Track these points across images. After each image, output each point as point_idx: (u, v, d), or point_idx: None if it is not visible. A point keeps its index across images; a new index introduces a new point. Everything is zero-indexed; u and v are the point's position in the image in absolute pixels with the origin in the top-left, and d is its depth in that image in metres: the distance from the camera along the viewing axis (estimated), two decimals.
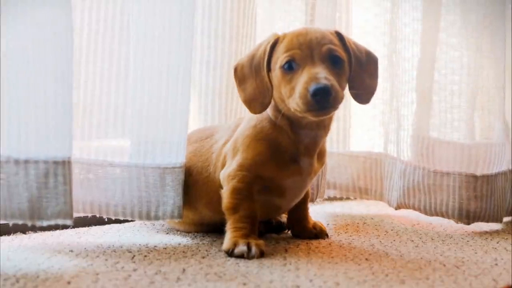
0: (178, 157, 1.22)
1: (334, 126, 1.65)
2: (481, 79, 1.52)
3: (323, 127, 1.18)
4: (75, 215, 1.27)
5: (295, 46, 1.10)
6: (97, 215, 1.22)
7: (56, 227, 1.29)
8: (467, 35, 1.50)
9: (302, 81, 1.06)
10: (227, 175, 1.17)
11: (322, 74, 1.05)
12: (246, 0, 1.47)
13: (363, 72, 1.17)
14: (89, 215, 1.23)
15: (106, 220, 1.33)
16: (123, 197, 1.20)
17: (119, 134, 1.24)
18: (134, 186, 1.20)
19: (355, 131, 1.72)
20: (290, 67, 1.10)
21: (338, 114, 1.67)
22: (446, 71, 1.51)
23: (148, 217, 1.21)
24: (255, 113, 1.16)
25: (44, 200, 1.04)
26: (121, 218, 1.23)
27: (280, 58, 1.11)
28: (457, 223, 1.47)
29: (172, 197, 1.21)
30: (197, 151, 1.27)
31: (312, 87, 1.04)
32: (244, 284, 0.93)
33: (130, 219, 1.23)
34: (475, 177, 1.44)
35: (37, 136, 1.04)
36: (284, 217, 1.36)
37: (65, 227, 1.31)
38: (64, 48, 1.06)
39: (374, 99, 1.64)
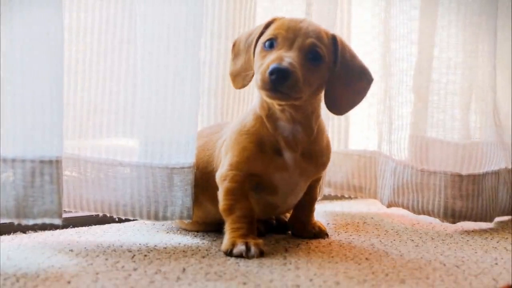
0: (186, 157, 1.22)
1: (331, 125, 1.67)
2: (475, 78, 1.52)
3: (299, 123, 1.16)
4: (87, 213, 1.29)
5: (283, 27, 1.11)
6: (108, 215, 1.23)
7: (56, 227, 1.29)
8: (464, 34, 1.50)
9: (269, 59, 1.07)
10: (220, 176, 1.17)
11: (288, 59, 1.05)
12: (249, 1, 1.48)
13: (348, 84, 1.15)
14: (100, 214, 1.24)
15: (106, 219, 1.33)
16: (132, 197, 1.21)
17: (128, 134, 1.25)
18: (142, 186, 1.21)
19: (351, 130, 1.73)
20: (270, 45, 1.10)
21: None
22: (441, 70, 1.51)
23: (156, 217, 1.22)
24: (236, 87, 1.20)
25: (31, 199, 1.05)
26: (131, 218, 1.24)
27: (265, 35, 1.12)
28: (442, 222, 1.48)
29: (180, 197, 1.21)
30: (204, 145, 1.27)
31: (272, 66, 1.04)
32: (244, 283, 0.93)
33: (139, 219, 1.23)
34: (460, 176, 1.45)
35: (24, 135, 1.05)
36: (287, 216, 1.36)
37: (65, 226, 1.31)
38: (55, 47, 1.07)
39: (370, 98, 1.67)
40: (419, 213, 1.49)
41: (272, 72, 1.03)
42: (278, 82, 1.03)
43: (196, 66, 1.22)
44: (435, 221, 1.53)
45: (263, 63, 1.08)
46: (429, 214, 1.48)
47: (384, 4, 1.59)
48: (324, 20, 1.49)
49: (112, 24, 1.23)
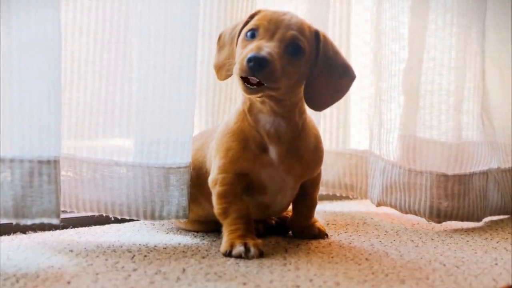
0: (182, 157, 1.22)
1: (327, 124, 1.67)
2: (464, 79, 1.52)
3: (281, 116, 1.15)
4: (86, 214, 1.30)
5: (266, 19, 1.11)
6: (104, 214, 1.23)
7: (56, 227, 1.29)
8: (453, 36, 1.51)
9: (248, 48, 1.07)
10: (211, 181, 1.17)
11: (267, 49, 1.05)
12: (244, 0, 1.47)
13: (329, 80, 1.15)
14: (96, 213, 1.25)
15: (106, 219, 1.33)
16: (128, 196, 1.21)
17: (124, 134, 1.25)
18: (139, 186, 1.21)
19: (343, 129, 1.73)
20: (252, 36, 1.10)
21: (332, 111, 1.67)
22: (427, 71, 1.52)
23: (153, 217, 1.22)
24: (220, 79, 1.19)
25: (29, 199, 1.05)
26: (127, 218, 1.23)
27: (248, 26, 1.12)
28: (428, 222, 1.49)
29: (176, 197, 1.21)
30: (200, 146, 1.28)
31: (250, 54, 1.03)
32: (244, 284, 0.93)
33: (135, 218, 1.23)
34: (446, 176, 1.46)
35: (22, 135, 1.05)
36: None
37: (65, 227, 1.31)
38: (52, 47, 1.07)
39: (363, 97, 1.67)
40: (406, 213, 1.50)
41: (250, 60, 1.03)
42: (256, 69, 1.03)
43: (192, 65, 1.22)
44: None
45: (243, 52, 1.08)
46: (415, 214, 1.49)
47: (376, 7, 1.59)
48: (316, 19, 1.50)
49: (108, 24, 1.23)
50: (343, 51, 1.59)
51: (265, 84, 1.05)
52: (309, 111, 1.20)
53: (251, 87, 1.06)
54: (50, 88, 1.07)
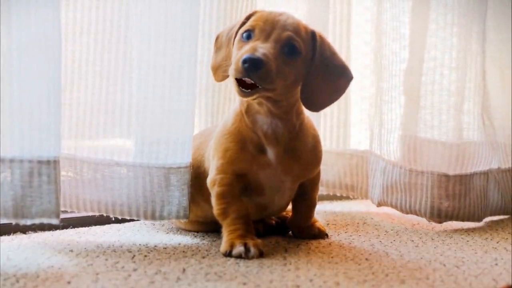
0: (183, 157, 1.22)
1: (328, 124, 1.67)
2: (464, 79, 1.52)
3: (278, 117, 1.15)
4: (86, 214, 1.30)
5: (262, 19, 1.11)
6: (104, 214, 1.23)
7: (56, 227, 1.29)
8: (454, 36, 1.51)
9: (244, 50, 1.06)
10: (210, 181, 1.17)
11: (262, 50, 1.05)
12: (244, 0, 1.47)
13: (326, 80, 1.15)
14: (97, 213, 1.25)
15: (106, 219, 1.33)
16: (129, 196, 1.21)
17: (124, 134, 1.25)
18: (139, 186, 1.21)
19: (343, 129, 1.73)
20: (248, 37, 1.10)
21: (332, 111, 1.67)
22: (428, 71, 1.52)
23: (153, 217, 1.22)
24: (217, 80, 1.20)
25: (29, 199, 1.05)
26: (127, 218, 1.24)
27: (244, 27, 1.12)
28: (429, 221, 1.49)
29: (177, 197, 1.22)
30: (200, 145, 1.28)
31: (245, 55, 1.03)
32: (244, 284, 0.93)
33: (135, 218, 1.24)
34: (447, 176, 1.46)
35: (22, 135, 1.05)
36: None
37: (65, 227, 1.31)
38: (52, 47, 1.07)
39: (364, 97, 1.67)
40: (407, 213, 1.50)
41: (245, 61, 1.03)
42: (251, 70, 1.03)
43: (192, 66, 1.22)
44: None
45: (238, 53, 1.08)
46: (416, 214, 1.49)
47: (376, 7, 1.59)
48: (316, 20, 1.49)
49: (108, 24, 1.23)
50: (343, 52, 1.61)
51: (260, 86, 1.05)
52: (308, 112, 1.20)
53: (245, 90, 1.06)
54: (50, 88, 1.07)
